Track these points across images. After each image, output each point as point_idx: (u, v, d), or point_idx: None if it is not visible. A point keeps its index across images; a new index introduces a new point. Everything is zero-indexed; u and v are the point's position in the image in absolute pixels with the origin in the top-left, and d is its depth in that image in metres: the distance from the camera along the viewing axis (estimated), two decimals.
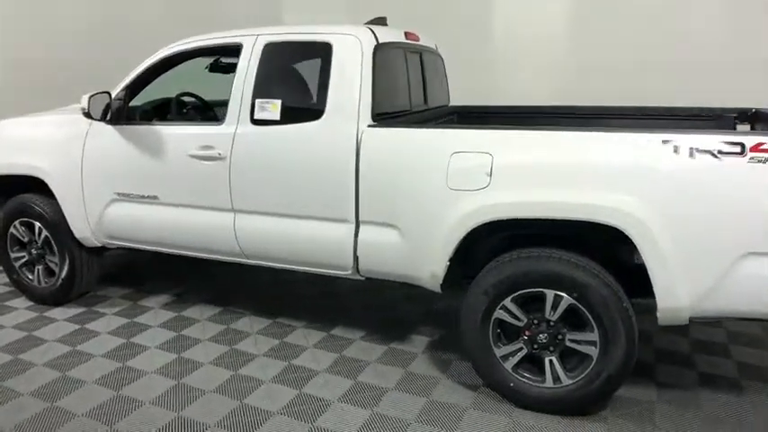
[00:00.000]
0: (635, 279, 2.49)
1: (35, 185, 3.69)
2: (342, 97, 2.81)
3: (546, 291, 2.50)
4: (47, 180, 3.52)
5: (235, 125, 3.04)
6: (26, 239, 3.81)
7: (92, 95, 3.16)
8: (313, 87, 2.93)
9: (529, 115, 3.81)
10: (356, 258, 2.90)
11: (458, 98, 4.19)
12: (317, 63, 2.97)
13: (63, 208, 3.54)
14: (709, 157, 2.22)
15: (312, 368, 3.05)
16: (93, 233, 3.55)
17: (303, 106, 2.95)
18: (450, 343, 3.31)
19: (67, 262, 3.68)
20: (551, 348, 2.57)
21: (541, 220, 2.45)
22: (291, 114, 2.92)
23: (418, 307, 3.84)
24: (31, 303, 3.91)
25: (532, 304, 2.58)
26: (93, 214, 3.49)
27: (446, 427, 2.54)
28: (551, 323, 2.55)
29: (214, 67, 3.79)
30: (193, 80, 3.85)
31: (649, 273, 2.33)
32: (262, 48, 3.01)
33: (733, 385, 2.85)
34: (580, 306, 2.46)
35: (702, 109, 3.54)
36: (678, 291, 2.31)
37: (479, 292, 2.61)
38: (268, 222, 3.04)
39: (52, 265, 3.77)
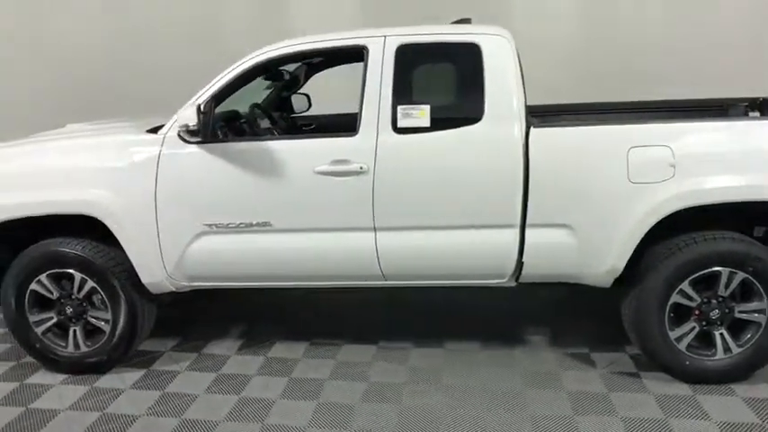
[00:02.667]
0: None
1: (60, 227, 2.95)
2: (501, 99, 2.70)
3: (722, 269, 2.69)
4: (104, 218, 2.81)
5: (374, 135, 2.74)
6: (55, 296, 3.00)
7: (199, 107, 2.59)
8: (460, 89, 2.77)
9: (553, 113, 3.93)
10: (520, 263, 2.81)
11: None
12: (453, 65, 2.82)
13: (128, 250, 2.85)
14: None
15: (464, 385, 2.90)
16: (170, 276, 2.93)
17: (454, 110, 2.77)
18: (548, 335, 3.38)
19: (124, 314, 2.98)
20: (720, 322, 2.78)
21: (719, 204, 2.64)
22: (442, 120, 2.73)
23: (468, 307, 3.84)
24: (65, 376, 3.09)
25: (701, 284, 2.75)
26: (173, 253, 2.87)
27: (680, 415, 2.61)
28: (721, 299, 2.75)
29: (269, 76, 3.39)
30: None
31: None
32: (395, 50, 2.76)
33: None
34: (752, 279, 2.69)
35: (716, 99, 4.04)
36: None
37: (660, 280, 2.71)
38: (418, 237, 2.80)
39: (100, 323, 3.02)
